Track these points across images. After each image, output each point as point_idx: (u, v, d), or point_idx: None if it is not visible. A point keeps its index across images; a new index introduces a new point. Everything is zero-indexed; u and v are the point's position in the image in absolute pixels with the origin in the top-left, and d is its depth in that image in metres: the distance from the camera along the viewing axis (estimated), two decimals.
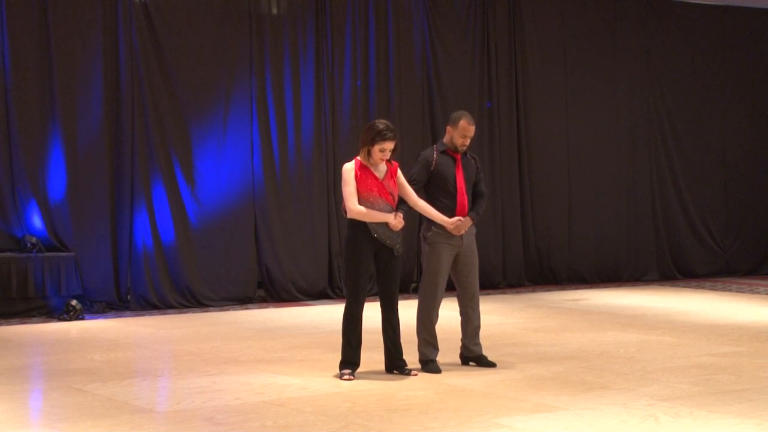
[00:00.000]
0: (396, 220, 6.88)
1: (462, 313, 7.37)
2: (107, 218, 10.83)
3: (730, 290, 12.51)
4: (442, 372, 7.07)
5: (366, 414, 5.88)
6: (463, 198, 7.23)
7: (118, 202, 10.90)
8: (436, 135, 12.36)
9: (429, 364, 7.15)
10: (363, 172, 6.89)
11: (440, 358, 7.25)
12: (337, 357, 7.05)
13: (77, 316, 10.04)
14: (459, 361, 7.42)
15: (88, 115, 10.75)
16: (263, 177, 11.53)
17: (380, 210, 6.87)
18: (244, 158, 11.47)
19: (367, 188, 6.85)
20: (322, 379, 6.90)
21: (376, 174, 6.90)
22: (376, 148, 6.85)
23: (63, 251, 10.47)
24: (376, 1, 12.15)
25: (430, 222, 7.19)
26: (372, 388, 6.58)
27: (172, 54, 11.10)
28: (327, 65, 11.86)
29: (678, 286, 13.10)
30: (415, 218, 12.39)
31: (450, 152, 7.26)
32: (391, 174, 6.96)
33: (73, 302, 10.10)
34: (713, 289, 12.67)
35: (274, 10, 11.69)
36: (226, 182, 11.36)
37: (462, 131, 7.21)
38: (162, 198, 11.03)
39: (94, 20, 10.77)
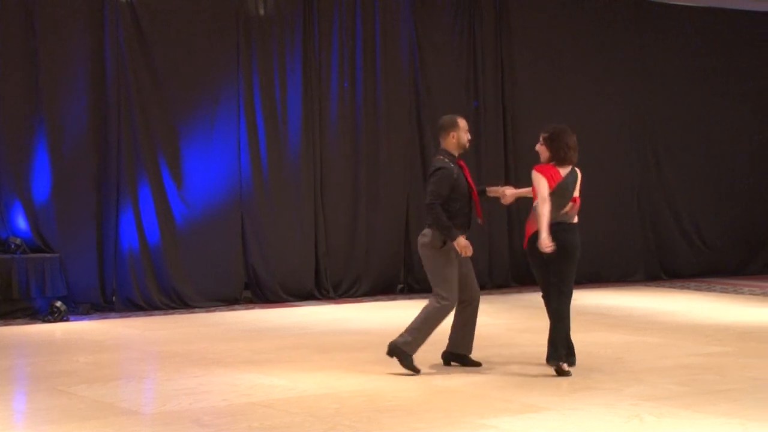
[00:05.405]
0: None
1: (463, 313, 7.33)
2: (92, 219, 10.78)
3: (714, 290, 12.55)
4: (432, 373, 7.07)
5: (354, 415, 5.88)
6: (477, 202, 7.31)
7: (104, 203, 10.85)
8: (423, 135, 12.37)
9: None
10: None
11: (433, 359, 7.26)
12: (325, 358, 7.05)
13: (62, 317, 9.99)
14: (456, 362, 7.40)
15: (73, 116, 10.69)
16: (250, 178, 11.50)
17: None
18: (231, 159, 11.43)
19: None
20: (309, 380, 6.89)
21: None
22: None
23: (48, 252, 10.42)
24: (364, 2, 12.13)
25: (443, 238, 7.10)
26: (360, 389, 6.58)
27: (158, 54, 11.06)
28: (314, 66, 11.84)
29: (664, 286, 13.12)
30: (401, 218, 12.40)
31: (457, 161, 7.29)
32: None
33: (58, 304, 10.05)
34: (698, 289, 12.70)
35: (262, 11, 11.66)
36: (212, 183, 11.32)
37: (464, 127, 7.31)
38: (148, 199, 10.98)
39: (80, 20, 10.71)
